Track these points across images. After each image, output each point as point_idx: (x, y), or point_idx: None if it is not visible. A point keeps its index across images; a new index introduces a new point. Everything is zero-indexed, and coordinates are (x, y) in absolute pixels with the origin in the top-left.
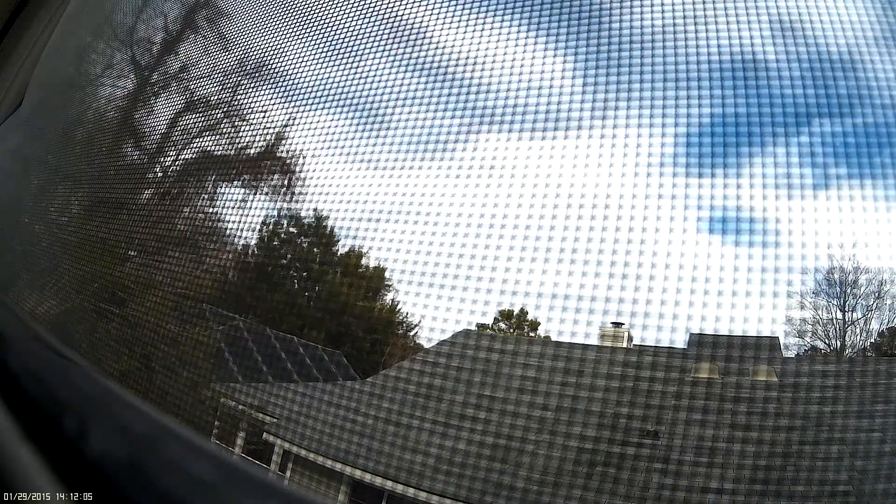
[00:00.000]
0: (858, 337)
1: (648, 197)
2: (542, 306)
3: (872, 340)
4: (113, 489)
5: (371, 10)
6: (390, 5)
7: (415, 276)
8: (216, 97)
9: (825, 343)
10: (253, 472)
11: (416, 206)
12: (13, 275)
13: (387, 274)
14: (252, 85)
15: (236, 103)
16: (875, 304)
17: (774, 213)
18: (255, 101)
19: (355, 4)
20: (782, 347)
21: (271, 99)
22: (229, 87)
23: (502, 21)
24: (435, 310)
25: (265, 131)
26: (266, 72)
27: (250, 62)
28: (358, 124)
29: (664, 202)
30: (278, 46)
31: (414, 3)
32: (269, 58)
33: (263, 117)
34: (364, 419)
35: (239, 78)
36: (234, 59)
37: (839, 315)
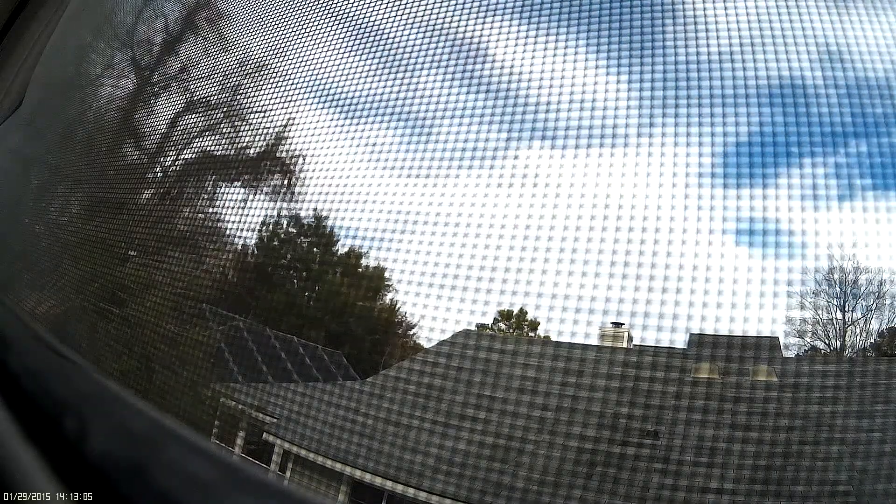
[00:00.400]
0: (858, 337)
1: (648, 198)
2: (542, 306)
3: (872, 340)
4: (113, 489)
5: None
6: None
7: (415, 276)
8: (216, 97)
9: (825, 343)
10: (253, 472)
11: (416, 207)
12: (13, 275)
13: (387, 274)
14: (253, 84)
15: (236, 104)
16: (875, 304)
17: (774, 213)
18: (257, 101)
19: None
20: (782, 347)
21: (272, 99)
22: (230, 88)
23: (518, 24)
24: (435, 310)
25: (265, 131)
26: (267, 71)
27: (251, 62)
28: (359, 125)
29: (664, 202)
30: (279, 45)
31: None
32: (269, 57)
33: (264, 117)
34: (364, 419)
35: (240, 78)
36: (235, 59)
37: (839, 315)
